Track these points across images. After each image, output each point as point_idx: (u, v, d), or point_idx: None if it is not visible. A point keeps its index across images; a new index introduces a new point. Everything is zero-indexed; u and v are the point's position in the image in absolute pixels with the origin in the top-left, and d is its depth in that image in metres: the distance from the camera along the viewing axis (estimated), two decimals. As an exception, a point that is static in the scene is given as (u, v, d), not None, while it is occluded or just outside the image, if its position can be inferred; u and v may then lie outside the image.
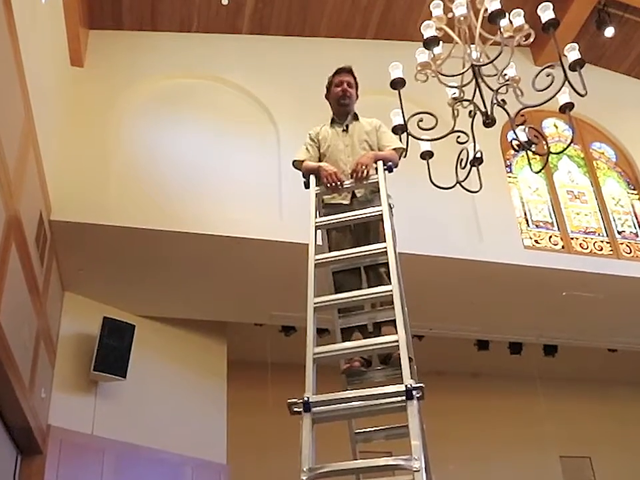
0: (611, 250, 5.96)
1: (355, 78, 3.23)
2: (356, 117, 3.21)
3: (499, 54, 3.26)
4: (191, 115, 5.36)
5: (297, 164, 3.12)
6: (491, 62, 3.37)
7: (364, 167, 2.88)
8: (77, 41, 4.98)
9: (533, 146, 3.67)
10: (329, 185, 2.88)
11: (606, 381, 8.05)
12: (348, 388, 2.67)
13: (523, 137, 3.63)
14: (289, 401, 2.15)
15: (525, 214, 5.88)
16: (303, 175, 3.06)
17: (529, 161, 4.19)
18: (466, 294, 5.71)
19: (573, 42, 3.48)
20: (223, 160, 5.25)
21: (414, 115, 3.56)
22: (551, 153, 3.81)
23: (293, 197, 4.86)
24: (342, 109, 3.19)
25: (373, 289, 2.64)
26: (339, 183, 2.88)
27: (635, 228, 6.18)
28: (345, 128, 3.15)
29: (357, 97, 3.25)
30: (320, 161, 3.11)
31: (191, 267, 5.15)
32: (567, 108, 3.53)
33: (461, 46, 3.49)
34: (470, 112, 3.56)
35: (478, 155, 3.70)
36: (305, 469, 1.99)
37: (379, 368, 2.71)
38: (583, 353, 7.22)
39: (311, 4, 5.90)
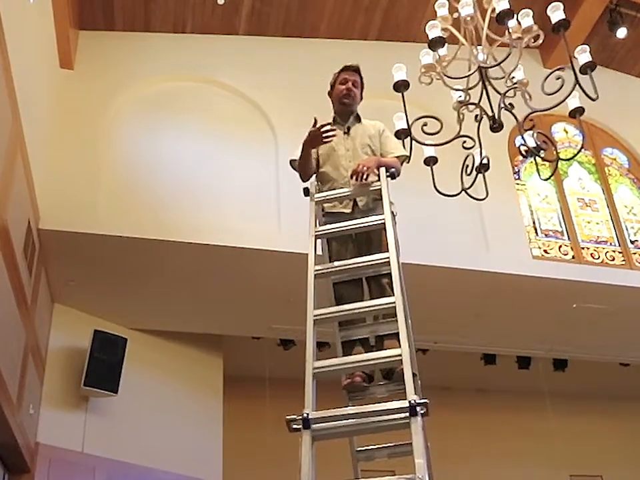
0: (624, 260, 5.87)
1: (361, 78, 3.16)
2: (358, 119, 3.13)
3: (507, 56, 3.20)
4: (186, 119, 5.32)
5: (294, 163, 3.02)
6: (499, 64, 3.30)
7: (365, 168, 2.79)
8: (67, 42, 4.94)
9: (542, 152, 3.61)
10: (324, 136, 2.77)
11: (618, 396, 7.96)
12: (349, 404, 2.61)
13: (532, 143, 3.56)
14: (287, 417, 2.08)
15: (534, 222, 5.81)
16: (300, 174, 2.96)
17: (537, 167, 4.15)
18: (472, 306, 5.64)
19: (583, 43, 3.42)
20: (219, 166, 5.22)
21: (418, 118, 3.49)
22: (560, 159, 3.75)
23: (291, 204, 4.83)
24: (344, 108, 3.10)
25: (375, 300, 2.57)
26: (329, 126, 2.79)
27: (648, 237, 6.11)
28: (346, 130, 3.07)
29: (362, 98, 3.17)
30: (317, 163, 3.03)
31: (186, 278, 5.10)
32: (577, 112, 3.46)
33: (467, 47, 3.43)
34: (476, 116, 3.48)
35: (484, 161, 3.63)
36: (304, 488, 1.92)
37: (381, 383, 2.65)
38: (594, 368, 7.15)
39: (310, 3, 5.84)
